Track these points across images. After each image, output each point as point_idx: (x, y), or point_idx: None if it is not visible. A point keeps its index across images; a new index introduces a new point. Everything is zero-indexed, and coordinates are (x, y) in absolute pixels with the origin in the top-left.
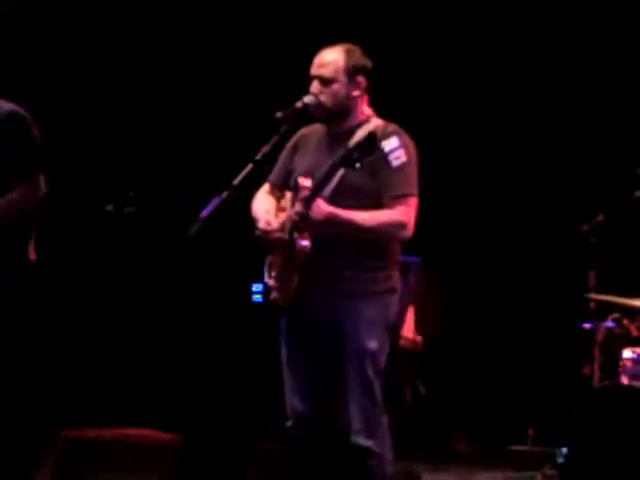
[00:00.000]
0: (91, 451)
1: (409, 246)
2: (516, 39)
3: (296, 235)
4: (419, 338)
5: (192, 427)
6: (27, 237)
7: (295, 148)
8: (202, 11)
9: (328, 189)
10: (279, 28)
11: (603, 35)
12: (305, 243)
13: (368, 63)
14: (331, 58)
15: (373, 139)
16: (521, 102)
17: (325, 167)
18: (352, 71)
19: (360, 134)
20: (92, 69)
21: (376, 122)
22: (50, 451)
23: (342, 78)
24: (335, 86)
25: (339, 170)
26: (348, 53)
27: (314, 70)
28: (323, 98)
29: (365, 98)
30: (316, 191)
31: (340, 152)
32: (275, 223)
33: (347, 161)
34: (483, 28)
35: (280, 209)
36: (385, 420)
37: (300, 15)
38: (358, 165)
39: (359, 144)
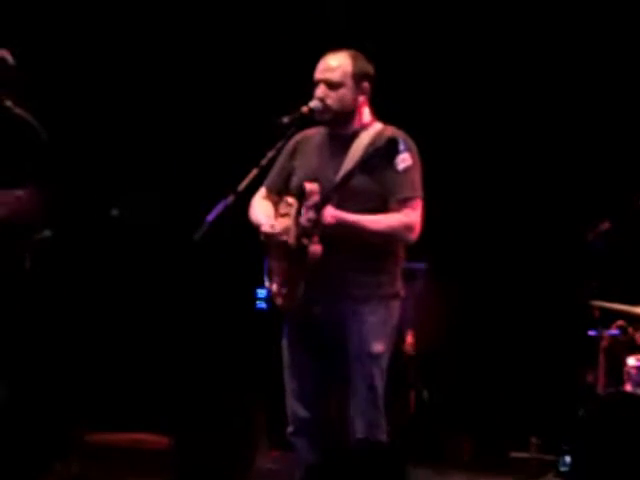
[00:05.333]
0: (96, 456)
1: (414, 252)
2: (517, 51)
3: (305, 241)
4: (411, 339)
5: (187, 432)
6: (24, 246)
7: (293, 152)
8: (211, 20)
9: None
10: (290, 36)
11: (602, 44)
12: (318, 249)
13: (371, 69)
14: (338, 62)
15: (395, 145)
16: (526, 108)
17: (340, 173)
18: (359, 76)
19: (366, 138)
20: (93, 67)
21: (379, 126)
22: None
23: (349, 82)
24: (342, 90)
25: (356, 176)
26: (355, 59)
27: (320, 74)
28: (329, 102)
29: (367, 102)
30: (329, 197)
31: (355, 158)
32: (278, 227)
33: (366, 167)
34: (488, 39)
35: (280, 214)
36: (385, 424)
37: (312, 24)
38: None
39: (379, 150)
